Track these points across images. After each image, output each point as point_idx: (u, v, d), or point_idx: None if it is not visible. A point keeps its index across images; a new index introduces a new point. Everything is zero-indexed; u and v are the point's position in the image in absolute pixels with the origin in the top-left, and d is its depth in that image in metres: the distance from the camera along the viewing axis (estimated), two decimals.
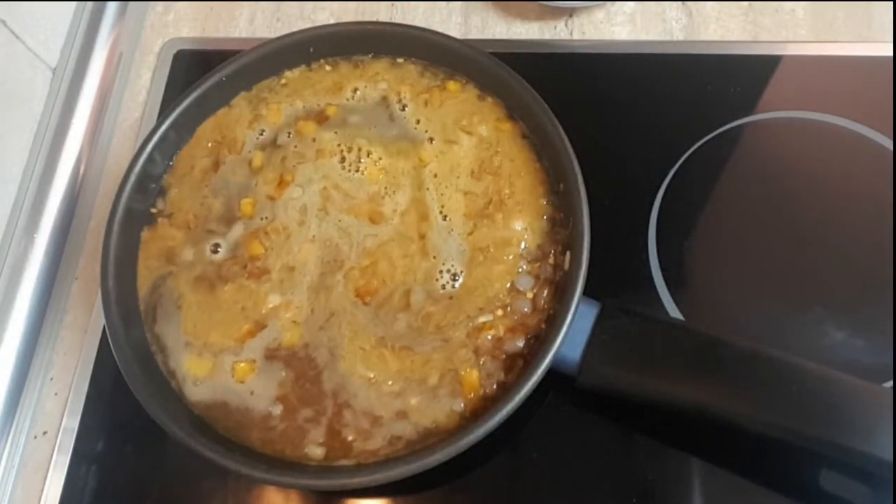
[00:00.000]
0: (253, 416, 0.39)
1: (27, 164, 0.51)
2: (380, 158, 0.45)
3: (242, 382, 0.40)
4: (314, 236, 0.43)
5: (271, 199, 0.44)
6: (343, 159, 0.45)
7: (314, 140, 0.45)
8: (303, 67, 0.48)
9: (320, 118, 0.47)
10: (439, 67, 0.47)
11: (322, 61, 0.48)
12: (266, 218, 0.44)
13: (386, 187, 0.44)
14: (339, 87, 0.47)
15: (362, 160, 0.45)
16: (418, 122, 0.46)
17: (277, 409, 0.39)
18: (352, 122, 0.46)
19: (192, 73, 0.56)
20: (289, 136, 0.46)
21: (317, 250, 0.43)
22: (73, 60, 0.55)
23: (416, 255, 0.42)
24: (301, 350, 0.41)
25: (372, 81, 0.47)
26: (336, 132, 0.46)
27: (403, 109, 0.46)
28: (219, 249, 0.43)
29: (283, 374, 0.40)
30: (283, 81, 0.48)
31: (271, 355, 0.41)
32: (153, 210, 0.45)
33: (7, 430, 0.45)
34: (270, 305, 0.42)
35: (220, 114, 0.47)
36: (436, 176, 0.44)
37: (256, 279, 0.42)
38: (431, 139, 0.45)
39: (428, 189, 0.44)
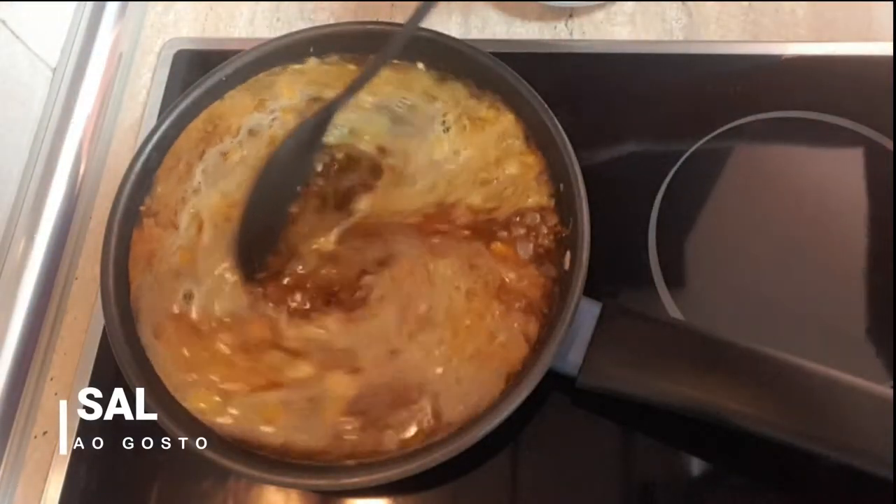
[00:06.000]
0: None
1: (27, 164, 0.51)
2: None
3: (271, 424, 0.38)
4: None
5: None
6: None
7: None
8: (302, 67, 0.48)
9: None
10: (439, 67, 0.47)
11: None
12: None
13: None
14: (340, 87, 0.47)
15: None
16: (414, 122, 0.46)
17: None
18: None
19: (192, 73, 0.55)
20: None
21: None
22: (73, 60, 0.55)
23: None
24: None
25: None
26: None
27: (401, 109, 0.46)
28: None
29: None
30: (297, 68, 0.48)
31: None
32: (141, 208, 0.44)
33: (7, 430, 0.45)
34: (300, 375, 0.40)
35: (213, 106, 0.46)
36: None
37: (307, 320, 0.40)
38: (425, 137, 0.45)
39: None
